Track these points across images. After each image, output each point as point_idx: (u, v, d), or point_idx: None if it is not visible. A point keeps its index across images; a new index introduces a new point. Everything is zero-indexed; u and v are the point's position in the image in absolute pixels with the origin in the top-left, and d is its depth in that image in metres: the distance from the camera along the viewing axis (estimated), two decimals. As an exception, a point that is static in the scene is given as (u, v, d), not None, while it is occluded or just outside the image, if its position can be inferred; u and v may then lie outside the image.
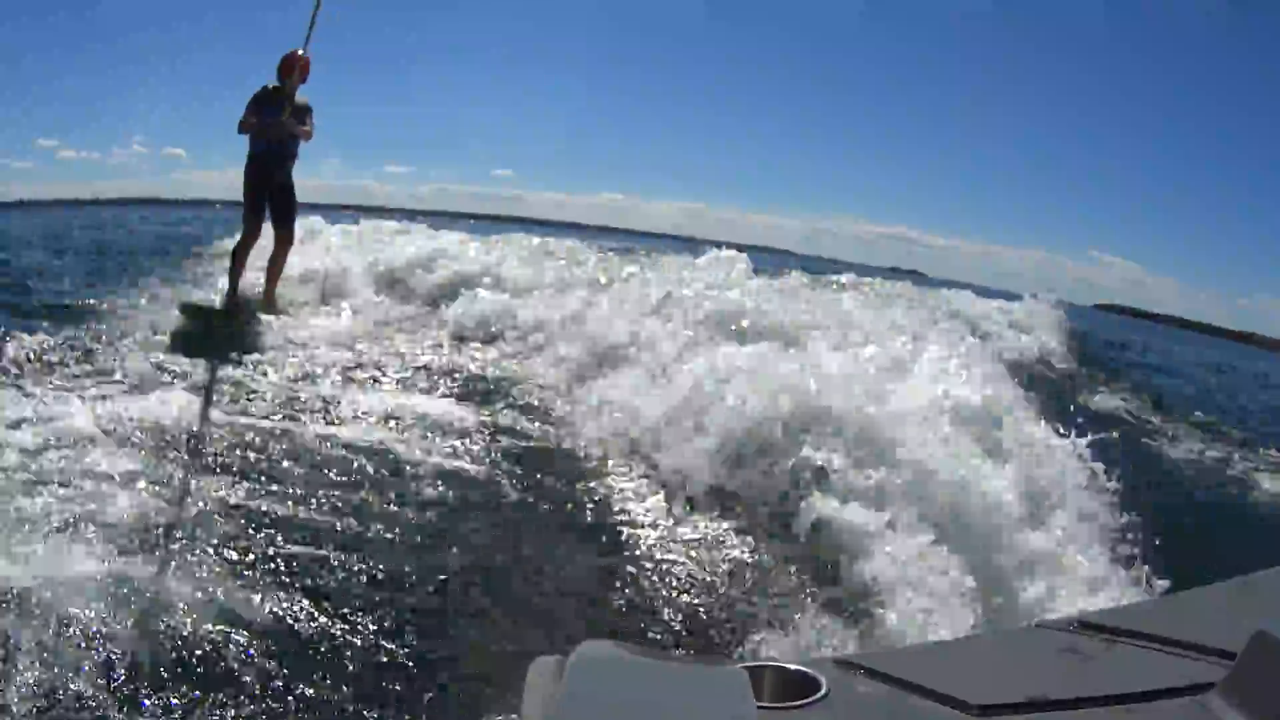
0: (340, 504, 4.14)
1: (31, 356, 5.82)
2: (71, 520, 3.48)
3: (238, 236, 8.15)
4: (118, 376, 5.56)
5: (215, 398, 5.44)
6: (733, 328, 6.90)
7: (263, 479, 4.29)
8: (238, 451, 4.61)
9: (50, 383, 5.27)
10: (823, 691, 1.04)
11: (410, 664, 2.98)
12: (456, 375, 6.76)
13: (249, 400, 5.53)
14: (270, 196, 7.92)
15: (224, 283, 8.31)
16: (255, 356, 6.48)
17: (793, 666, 1.13)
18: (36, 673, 2.63)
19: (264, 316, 7.71)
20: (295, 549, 3.63)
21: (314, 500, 4.13)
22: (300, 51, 7.70)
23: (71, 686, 2.60)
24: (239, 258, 8.03)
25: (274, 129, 7.63)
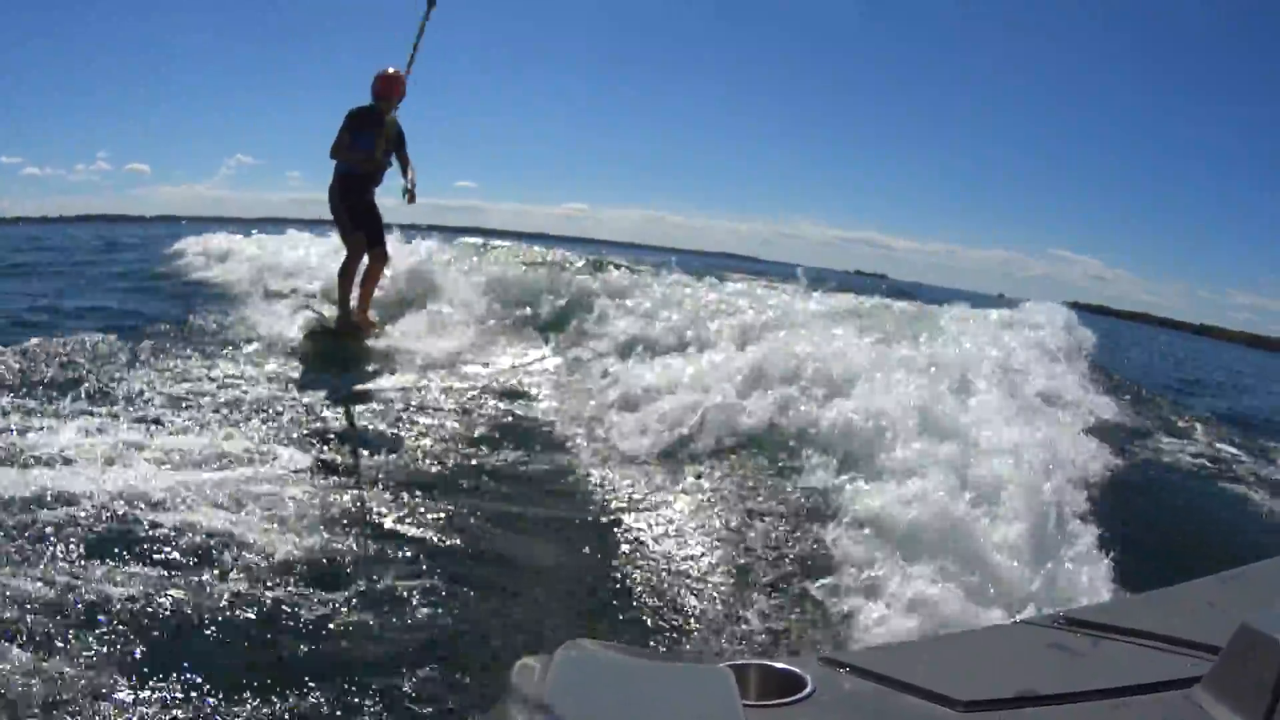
0: (323, 508, 4.13)
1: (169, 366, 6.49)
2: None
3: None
4: (249, 391, 6.12)
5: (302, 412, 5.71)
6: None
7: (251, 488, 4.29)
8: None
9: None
10: (808, 690, 1.04)
11: (393, 667, 2.96)
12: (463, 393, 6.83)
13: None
14: (358, 216, 8.07)
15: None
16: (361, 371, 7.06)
17: (778, 665, 1.12)
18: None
19: (376, 333, 8.16)
20: (279, 553, 3.61)
21: (299, 503, 4.13)
22: (392, 70, 7.85)
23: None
24: (347, 276, 8.17)
25: (367, 164, 7.78)
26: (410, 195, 8.08)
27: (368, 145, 7.74)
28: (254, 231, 15.37)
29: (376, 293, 8.64)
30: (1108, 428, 7.28)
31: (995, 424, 5.19)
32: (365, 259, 8.22)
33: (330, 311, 8.49)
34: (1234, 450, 7.75)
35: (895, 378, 5.60)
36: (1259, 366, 24.90)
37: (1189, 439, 7.96)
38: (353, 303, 8.31)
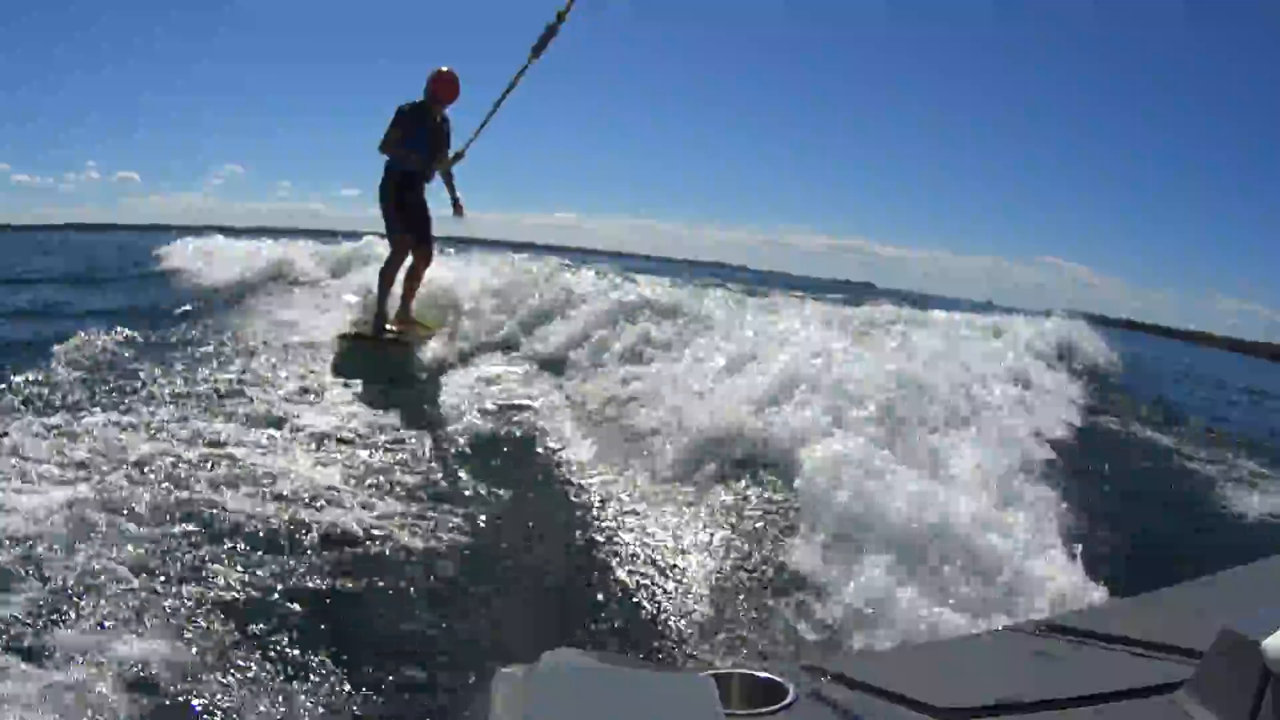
0: (300, 513, 4.10)
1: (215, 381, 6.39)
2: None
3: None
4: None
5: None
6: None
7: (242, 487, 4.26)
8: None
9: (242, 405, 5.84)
10: (790, 698, 1.04)
11: (374, 676, 2.93)
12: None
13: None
14: (408, 214, 7.89)
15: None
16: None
17: (760, 674, 1.12)
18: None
19: (420, 334, 8.07)
20: (260, 558, 3.58)
21: (275, 507, 4.10)
22: (446, 69, 7.64)
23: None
24: (387, 278, 7.97)
25: (419, 164, 7.62)
26: (458, 208, 7.98)
27: (419, 145, 7.58)
28: (272, 240, 15.17)
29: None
30: (1090, 431, 7.33)
31: (981, 430, 5.22)
32: (409, 260, 8.05)
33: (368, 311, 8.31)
34: (1217, 457, 7.80)
35: (883, 381, 5.62)
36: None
37: (1173, 443, 8.00)
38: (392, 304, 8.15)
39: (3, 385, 5.65)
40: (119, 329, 7.83)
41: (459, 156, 7.82)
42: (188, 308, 10.05)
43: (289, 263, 12.23)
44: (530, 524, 4.45)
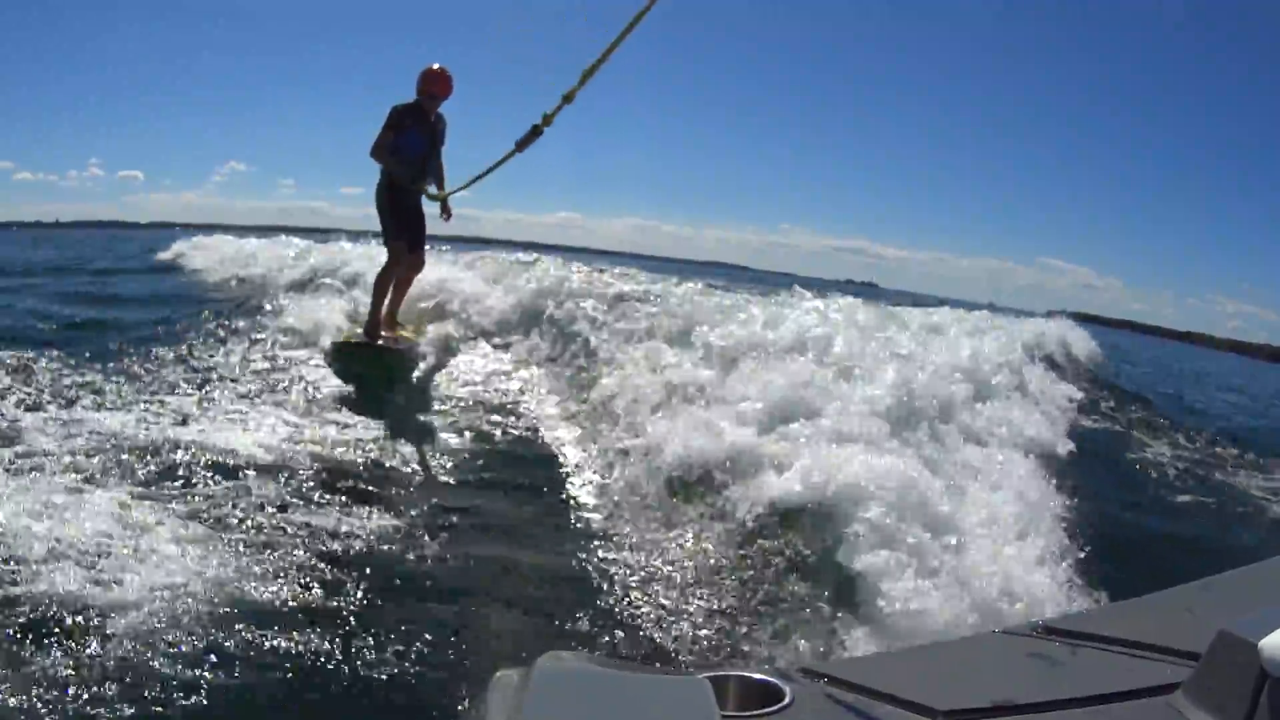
0: (300, 516, 4.10)
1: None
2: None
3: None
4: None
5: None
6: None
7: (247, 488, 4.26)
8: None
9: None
10: (787, 700, 1.04)
11: (372, 679, 2.93)
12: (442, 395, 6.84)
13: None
14: (403, 219, 7.79)
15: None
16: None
17: (756, 676, 1.11)
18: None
19: (407, 340, 8.02)
20: (259, 564, 3.58)
21: (270, 510, 4.10)
22: (438, 67, 7.50)
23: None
24: (382, 284, 7.89)
25: (405, 176, 7.48)
26: (445, 211, 7.80)
27: (415, 144, 7.45)
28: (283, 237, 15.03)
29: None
30: (1086, 433, 7.33)
31: (976, 433, 5.22)
32: (405, 267, 7.96)
33: (360, 316, 8.25)
34: (1212, 458, 7.81)
35: (877, 385, 5.61)
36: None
37: (1167, 446, 8.01)
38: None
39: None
40: (117, 332, 7.85)
41: (442, 200, 7.73)
42: (181, 311, 10.00)
43: (281, 266, 12.18)
44: (526, 527, 4.45)
